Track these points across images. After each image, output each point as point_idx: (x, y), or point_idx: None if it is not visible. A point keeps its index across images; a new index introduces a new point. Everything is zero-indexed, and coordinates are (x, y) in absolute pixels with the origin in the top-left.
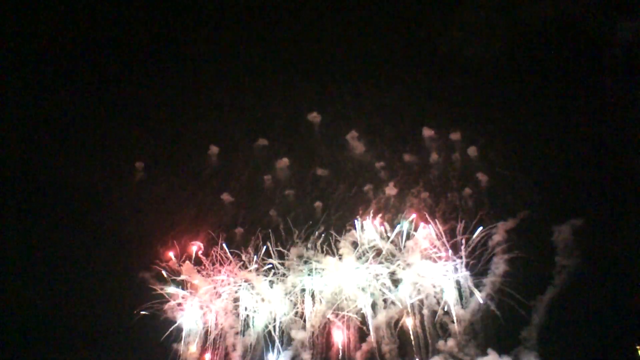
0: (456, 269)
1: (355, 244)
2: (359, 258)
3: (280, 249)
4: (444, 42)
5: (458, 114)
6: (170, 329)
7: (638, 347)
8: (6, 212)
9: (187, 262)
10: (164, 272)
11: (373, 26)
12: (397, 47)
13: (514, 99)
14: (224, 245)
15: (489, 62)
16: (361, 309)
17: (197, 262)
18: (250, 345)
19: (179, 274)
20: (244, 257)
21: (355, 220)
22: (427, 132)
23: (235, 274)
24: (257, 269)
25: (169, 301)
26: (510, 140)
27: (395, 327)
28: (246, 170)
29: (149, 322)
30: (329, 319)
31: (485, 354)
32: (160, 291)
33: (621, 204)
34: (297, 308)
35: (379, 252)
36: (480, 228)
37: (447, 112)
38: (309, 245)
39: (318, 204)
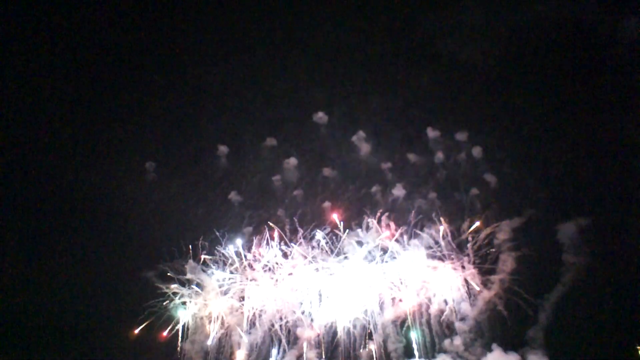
0: (463, 267)
1: (362, 243)
2: (366, 257)
3: (287, 248)
4: (449, 44)
5: (464, 114)
6: (175, 328)
7: (639, 347)
8: (17, 210)
9: (191, 261)
10: (169, 272)
11: (379, 28)
12: (403, 49)
13: (519, 99)
14: (231, 244)
15: (493, 63)
16: (367, 308)
17: (204, 261)
18: (256, 344)
19: (184, 272)
20: (250, 256)
21: (363, 220)
22: (433, 133)
23: (242, 273)
24: (263, 268)
25: (173, 300)
26: (516, 140)
27: (402, 326)
28: (255, 170)
29: (153, 321)
30: (335, 317)
31: (490, 351)
32: (165, 290)
33: (627, 202)
34: (303, 307)
35: (385, 251)
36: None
37: (453, 113)
38: (315, 244)
39: (327, 204)
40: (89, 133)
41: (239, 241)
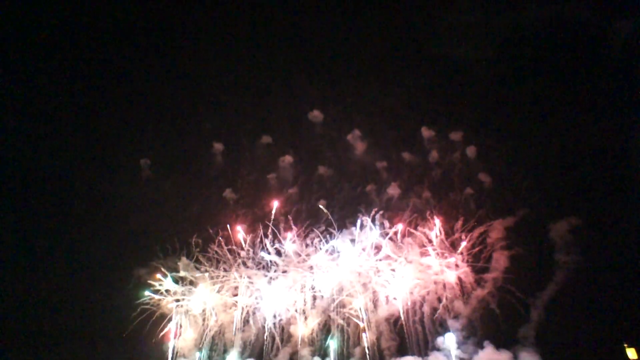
0: (457, 266)
1: (357, 241)
2: (360, 255)
3: (281, 245)
4: (444, 44)
5: (458, 114)
6: (169, 325)
7: (626, 345)
8: (10, 207)
9: (184, 258)
10: (162, 269)
11: (374, 28)
12: (399, 49)
13: (513, 100)
14: (223, 241)
15: (487, 64)
16: (361, 306)
17: (197, 259)
18: (249, 341)
19: (178, 270)
20: (244, 254)
21: (358, 219)
22: (428, 133)
23: (235, 270)
24: (257, 266)
25: (166, 297)
26: (509, 140)
27: (395, 324)
28: (250, 168)
29: (146, 318)
30: (328, 315)
31: (482, 348)
32: (158, 287)
33: (618, 201)
34: (297, 304)
35: (379, 249)
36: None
37: (447, 113)
38: (309, 242)
39: (322, 202)
40: (83, 130)
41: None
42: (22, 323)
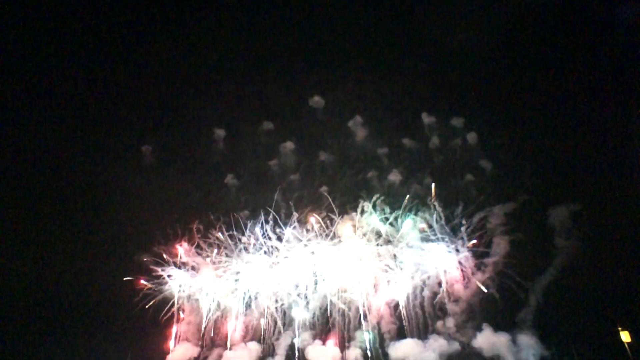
0: (457, 251)
1: (358, 227)
2: (361, 240)
3: (282, 231)
4: (445, 30)
5: (459, 101)
6: (172, 310)
7: (620, 328)
8: (12, 195)
9: (186, 244)
10: (164, 254)
11: (375, 14)
12: (399, 35)
13: (514, 86)
14: (226, 227)
15: (488, 50)
16: (362, 290)
17: (199, 245)
18: (251, 325)
19: (180, 255)
20: (246, 239)
21: (359, 204)
22: (429, 119)
23: (237, 256)
24: (259, 251)
25: (167, 283)
26: (510, 126)
27: (396, 308)
28: (251, 154)
29: (149, 303)
30: (330, 299)
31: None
32: (160, 272)
33: (617, 187)
34: (299, 289)
35: (380, 235)
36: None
37: (448, 99)
38: (310, 228)
39: (323, 188)
40: (85, 117)
41: None
42: (24, 308)
